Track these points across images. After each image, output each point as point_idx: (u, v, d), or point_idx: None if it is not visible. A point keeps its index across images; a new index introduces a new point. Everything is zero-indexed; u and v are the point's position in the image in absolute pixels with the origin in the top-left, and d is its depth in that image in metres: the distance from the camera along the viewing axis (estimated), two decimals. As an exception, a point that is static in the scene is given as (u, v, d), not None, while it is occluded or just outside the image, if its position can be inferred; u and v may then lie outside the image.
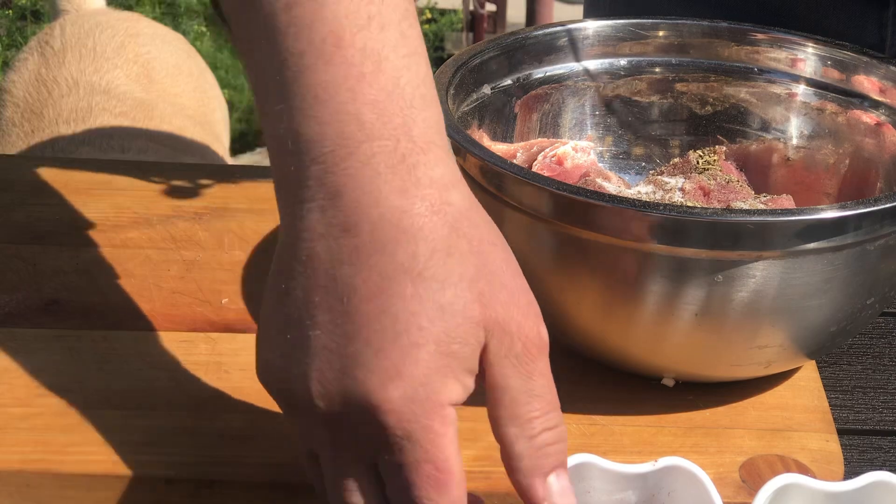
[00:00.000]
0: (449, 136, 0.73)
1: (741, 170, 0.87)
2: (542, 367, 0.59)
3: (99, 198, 0.95)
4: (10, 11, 2.96)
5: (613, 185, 0.82)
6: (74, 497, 0.70)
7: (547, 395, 0.59)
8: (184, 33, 2.80)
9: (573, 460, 0.62)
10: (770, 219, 0.67)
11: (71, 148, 1.47)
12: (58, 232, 0.90)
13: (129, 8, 2.86)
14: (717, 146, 0.86)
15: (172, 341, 0.79)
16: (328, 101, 0.55)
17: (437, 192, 0.56)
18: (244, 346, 0.79)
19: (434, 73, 0.80)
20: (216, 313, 0.82)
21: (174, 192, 0.96)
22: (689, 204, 0.78)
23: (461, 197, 0.57)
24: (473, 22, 3.19)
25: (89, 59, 1.62)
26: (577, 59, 0.88)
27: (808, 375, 0.79)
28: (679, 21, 0.89)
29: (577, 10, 3.59)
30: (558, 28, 0.87)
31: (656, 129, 0.90)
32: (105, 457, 0.70)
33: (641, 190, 0.82)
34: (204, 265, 0.87)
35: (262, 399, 0.74)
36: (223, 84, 2.92)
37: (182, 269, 0.87)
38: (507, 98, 0.85)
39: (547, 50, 0.86)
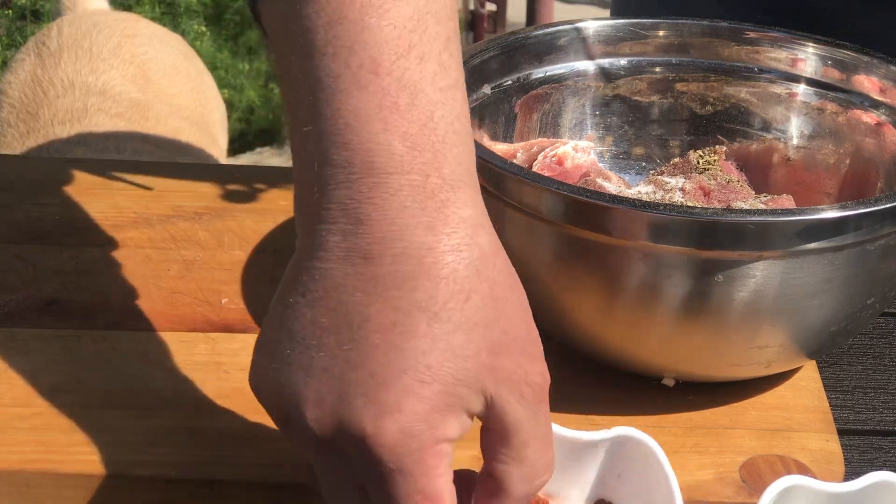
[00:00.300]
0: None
1: (741, 170, 0.87)
2: (545, 408, 0.59)
3: (99, 198, 0.95)
4: (10, 11, 2.96)
5: (613, 185, 0.82)
6: (74, 497, 0.70)
7: (549, 435, 0.59)
8: (183, 33, 2.80)
9: None
10: (770, 219, 0.67)
11: (66, 149, 1.47)
12: (58, 232, 0.90)
13: (128, 8, 2.86)
14: (717, 146, 0.86)
15: (172, 341, 0.79)
16: (360, 129, 0.54)
17: (464, 233, 0.56)
18: (244, 346, 0.79)
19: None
20: (216, 313, 0.82)
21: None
22: (690, 204, 0.78)
23: (488, 239, 0.57)
24: (473, 22, 3.19)
25: (85, 60, 1.62)
26: (578, 59, 0.87)
27: (809, 375, 0.79)
28: (679, 21, 0.89)
29: (578, 10, 3.59)
30: (558, 28, 0.87)
31: (656, 129, 0.90)
32: (105, 457, 0.70)
33: (641, 190, 0.82)
34: (204, 265, 0.87)
35: (262, 399, 0.74)
36: (222, 84, 2.92)
37: (182, 268, 0.87)
38: (507, 98, 0.85)
39: (547, 50, 0.86)
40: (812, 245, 0.68)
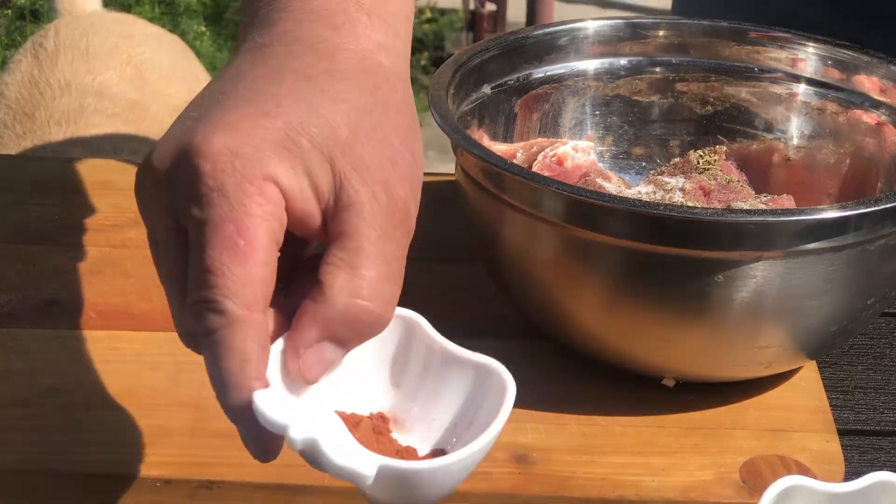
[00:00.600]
0: (449, 135, 0.73)
1: (741, 170, 0.87)
2: (402, 240, 0.55)
3: (99, 198, 0.94)
4: (10, 11, 2.96)
5: (613, 185, 0.82)
6: (74, 497, 0.70)
7: (396, 272, 0.54)
8: (183, 33, 2.80)
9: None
10: (770, 219, 0.67)
11: (62, 149, 1.47)
12: (58, 232, 0.90)
13: (127, 8, 2.86)
14: (717, 146, 0.86)
15: (172, 341, 0.79)
16: None
17: (367, 46, 0.57)
18: (244, 346, 0.79)
19: (434, 73, 0.80)
20: (216, 313, 0.82)
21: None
22: (690, 204, 0.78)
23: (393, 63, 0.57)
24: (473, 22, 3.19)
25: (82, 61, 1.62)
26: (578, 59, 0.87)
27: (809, 376, 0.79)
28: (679, 21, 0.89)
29: (578, 10, 3.59)
30: (558, 28, 0.87)
31: (656, 129, 0.90)
32: (105, 457, 0.70)
33: (641, 190, 0.81)
34: (204, 265, 0.87)
35: (262, 399, 0.74)
36: (222, 84, 2.91)
37: (182, 269, 0.86)
38: (507, 98, 0.85)
39: (547, 50, 0.86)
40: (812, 245, 0.68)
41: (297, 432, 0.52)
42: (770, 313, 0.70)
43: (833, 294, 0.70)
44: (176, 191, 0.53)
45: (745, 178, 0.86)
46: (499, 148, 0.84)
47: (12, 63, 1.68)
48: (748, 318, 0.70)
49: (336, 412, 0.57)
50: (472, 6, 3.21)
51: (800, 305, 0.70)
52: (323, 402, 0.56)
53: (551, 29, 0.87)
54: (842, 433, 0.74)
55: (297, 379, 0.54)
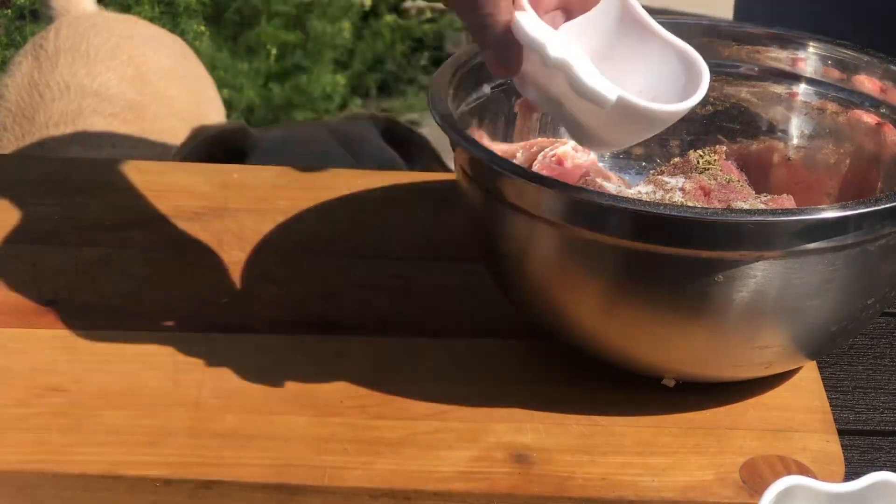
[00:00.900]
0: (449, 135, 0.73)
1: (741, 170, 0.86)
2: None
3: (99, 198, 0.94)
4: (9, 11, 2.95)
5: (613, 185, 0.81)
6: (74, 497, 0.70)
7: None
8: (183, 33, 2.80)
9: None
10: (770, 219, 0.67)
11: (59, 149, 1.47)
12: (58, 232, 0.90)
13: (127, 8, 2.85)
14: (717, 146, 0.86)
15: (172, 341, 0.79)
16: None
17: None
18: (243, 347, 0.79)
19: (434, 73, 0.80)
20: (215, 313, 0.82)
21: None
22: (690, 204, 0.78)
23: None
24: (473, 22, 3.19)
25: (82, 63, 1.62)
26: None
27: (809, 376, 0.79)
28: (679, 20, 0.89)
29: (577, 10, 3.58)
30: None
31: (656, 129, 0.90)
32: (105, 457, 0.70)
33: (641, 190, 0.81)
34: (203, 265, 0.87)
35: (262, 399, 0.75)
36: (222, 84, 2.91)
37: (181, 268, 0.87)
38: (507, 98, 0.85)
39: (547, 50, 0.86)
40: (812, 245, 0.68)
41: (554, 51, 0.64)
42: (770, 313, 0.70)
43: (833, 294, 0.70)
44: None
45: (745, 178, 0.86)
46: (499, 148, 0.84)
47: (13, 65, 1.68)
48: (748, 318, 0.70)
49: None
50: (471, 6, 3.21)
51: (800, 305, 0.70)
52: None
53: (551, 29, 0.87)
54: (842, 433, 0.74)
55: None
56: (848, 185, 0.85)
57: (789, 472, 0.70)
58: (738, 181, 0.83)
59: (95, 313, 0.82)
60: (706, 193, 0.80)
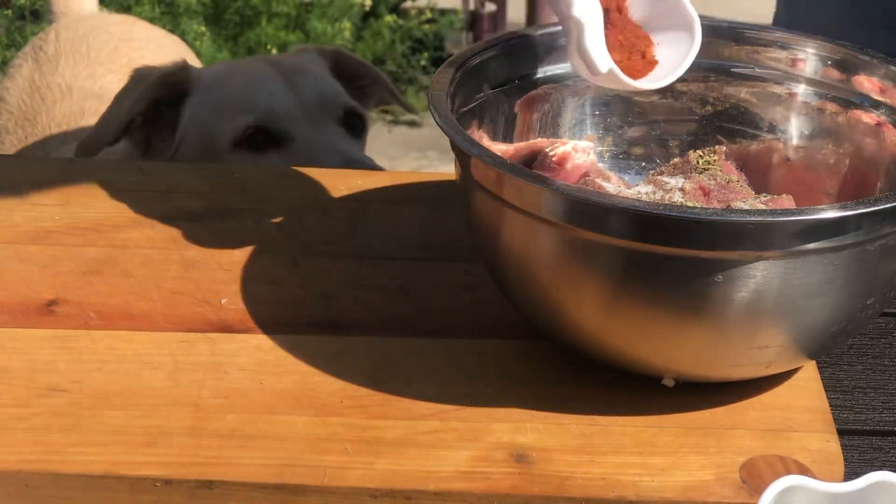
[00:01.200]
0: (449, 135, 0.73)
1: (741, 170, 0.86)
2: None
3: (99, 198, 0.95)
4: (10, 11, 2.95)
5: (613, 185, 0.82)
6: (74, 497, 0.70)
7: None
8: (183, 33, 2.80)
9: None
10: (770, 219, 0.67)
11: (62, 150, 1.47)
12: (58, 232, 0.90)
13: (127, 8, 2.85)
14: (717, 146, 0.86)
15: (172, 341, 0.79)
16: None
17: None
18: (243, 347, 0.79)
19: (434, 73, 0.80)
20: (215, 313, 0.82)
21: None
22: (690, 204, 0.78)
23: None
24: (473, 22, 3.19)
25: (83, 65, 1.62)
26: (578, 59, 0.87)
27: (809, 376, 0.79)
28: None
29: (577, 10, 3.58)
30: (558, 28, 0.87)
31: (656, 129, 0.90)
32: (105, 457, 0.70)
33: (641, 190, 0.82)
34: (203, 265, 0.87)
35: (262, 399, 0.75)
36: (222, 84, 2.91)
37: (181, 269, 0.87)
38: (507, 98, 0.85)
39: (547, 50, 0.86)
40: (812, 245, 0.68)
41: (577, 9, 0.74)
42: (769, 313, 0.70)
43: (833, 294, 0.70)
44: None
45: (744, 178, 0.86)
46: (499, 148, 0.84)
47: (13, 67, 1.68)
48: (748, 318, 0.70)
49: None
50: (472, 6, 3.21)
51: (800, 305, 0.70)
52: None
53: (551, 29, 0.87)
54: (841, 433, 0.74)
55: None
56: (847, 185, 0.85)
57: (789, 472, 0.70)
58: (738, 181, 0.83)
59: (95, 313, 0.82)
60: (706, 194, 0.80)
